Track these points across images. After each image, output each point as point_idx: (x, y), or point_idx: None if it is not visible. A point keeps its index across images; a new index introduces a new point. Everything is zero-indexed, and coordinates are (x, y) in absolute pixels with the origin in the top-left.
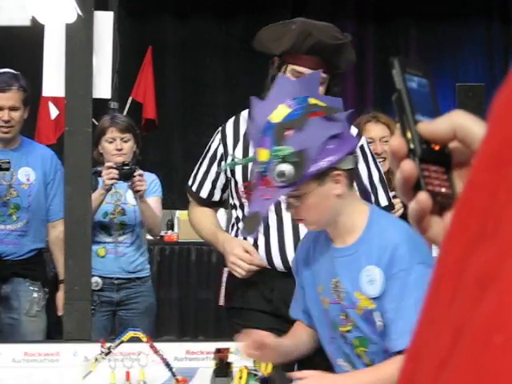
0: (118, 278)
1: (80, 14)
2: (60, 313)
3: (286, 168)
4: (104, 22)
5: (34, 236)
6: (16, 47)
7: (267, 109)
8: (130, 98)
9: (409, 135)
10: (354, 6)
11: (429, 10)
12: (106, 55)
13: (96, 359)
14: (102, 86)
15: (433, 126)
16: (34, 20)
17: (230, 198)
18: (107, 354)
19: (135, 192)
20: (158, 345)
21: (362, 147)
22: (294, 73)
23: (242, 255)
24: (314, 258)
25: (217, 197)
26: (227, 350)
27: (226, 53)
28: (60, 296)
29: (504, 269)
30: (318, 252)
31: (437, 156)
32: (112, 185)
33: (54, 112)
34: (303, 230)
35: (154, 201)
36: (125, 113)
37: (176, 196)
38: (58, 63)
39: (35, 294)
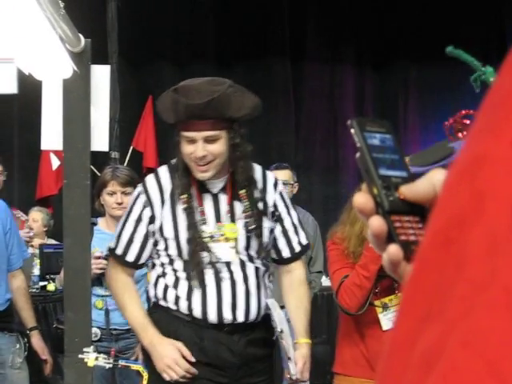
0: (115, 329)
1: (76, 69)
2: (44, 357)
3: None
4: (101, 76)
5: (5, 286)
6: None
7: None
8: (131, 147)
9: (375, 191)
10: (352, 50)
11: (428, 53)
12: (104, 108)
13: None
14: (100, 139)
15: (414, 188)
16: (21, 87)
17: (155, 258)
18: None
19: None
20: None
21: (281, 193)
22: (186, 139)
23: (180, 362)
24: None
25: (143, 260)
26: None
27: None
28: (36, 342)
29: (446, 349)
30: None
31: (408, 207)
32: (101, 273)
33: (55, 163)
34: (240, 288)
35: None
36: (126, 162)
37: None
38: (56, 117)
39: (17, 346)
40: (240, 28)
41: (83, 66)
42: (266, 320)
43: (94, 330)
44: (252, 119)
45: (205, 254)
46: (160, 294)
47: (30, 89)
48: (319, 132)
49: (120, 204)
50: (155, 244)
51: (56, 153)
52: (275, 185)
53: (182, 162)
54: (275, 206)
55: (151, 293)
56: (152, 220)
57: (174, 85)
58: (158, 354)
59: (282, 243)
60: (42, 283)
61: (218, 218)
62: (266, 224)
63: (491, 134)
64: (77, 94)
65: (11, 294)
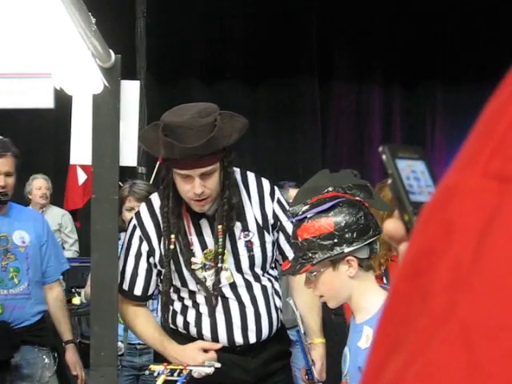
0: (139, 344)
1: (107, 84)
2: (74, 372)
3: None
4: (130, 91)
5: (36, 298)
6: (40, 118)
7: None
8: (158, 163)
9: (406, 218)
10: (380, 69)
11: (456, 73)
12: (133, 123)
13: None
14: (129, 155)
15: None
16: (57, 101)
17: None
18: None
19: None
20: None
21: (278, 200)
22: (181, 176)
23: (206, 358)
24: None
25: (150, 291)
26: None
27: (252, 117)
28: (69, 357)
29: (404, 380)
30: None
31: None
32: None
33: (81, 177)
34: (249, 310)
35: None
36: (152, 177)
37: None
38: (86, 132)
39: (46, 360)
40: (268, 47)
41: (113, 82)
42: (279, 332)
43: (118, 344)
44: (279, 137)
45: (200, 287)
46: (169, 320)
47: (64, 104)
48: (346, 150)
49: None
50: (159, 274)
51: (82, 167)
52: (272, 193)
53: (173, 197)
54: (275, 215)
55: (160, 317)
56: (151, 253)
57: (201, 102)
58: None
59: (287, 249)
60: (66, 297)
61: (211, 243)
62: (268, 238)
63: (465, 166)
64: (106, 109)
65: (46, 307)
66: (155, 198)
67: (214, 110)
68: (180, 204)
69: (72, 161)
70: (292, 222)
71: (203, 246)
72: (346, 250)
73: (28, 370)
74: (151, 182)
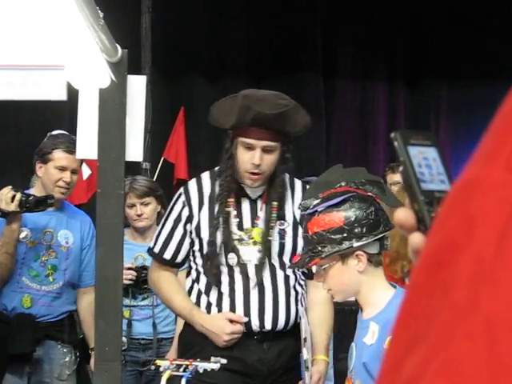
0: (143, 339)
1: (114, 79)
2: None
3: None
4: (137, 86)
5: (67, 298)
6: (46, 110)
7: None
8: (162, 158)
9: (416, 207)
10: (385, 67)
11: (461, 71)
12: (139, 118)
13: None
14: (135, 149)
15: None
16: (69, 93)
17: (191, 260)
18: None
19: None
20: None
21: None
22: (244, 145)
23: (234, 329)
24: None
25: (180, 259)
26: None
27: None
28: (93, 364)
29: (425, 375)
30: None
31: None
32: (129, 284)
33: (86, 172)
34: (268, 294)
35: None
36: (156, 173)
37: None
38: (92, 127)
39: (67, 358)
40: (272, 43)
41: (120, 76)
42: (296, 330)
43: (122, 339)
44: None
45: (232, 256)
46: (194, 299)
47: (69, 98)
48: (350, 148)
49: (140, 216)
50: (192, 244)
51: (87, 162)
52: None
53: (230, 166)
54: None
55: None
56: (189, 219)
57: (206, 97)
58: (213, 334)
59: None
60: None
61: (249, 223)
62: (301, 233)
63: (485, 160)
64: (113, 103)
65: (71, 308)
66: (205, 175)
67: (287, 98)
68: (233, 179)
69: (78, 155)
70: (303, 216)
71: (241, 224)
72: (355, 244)
73: (48, 365)
74: (155, 178)
